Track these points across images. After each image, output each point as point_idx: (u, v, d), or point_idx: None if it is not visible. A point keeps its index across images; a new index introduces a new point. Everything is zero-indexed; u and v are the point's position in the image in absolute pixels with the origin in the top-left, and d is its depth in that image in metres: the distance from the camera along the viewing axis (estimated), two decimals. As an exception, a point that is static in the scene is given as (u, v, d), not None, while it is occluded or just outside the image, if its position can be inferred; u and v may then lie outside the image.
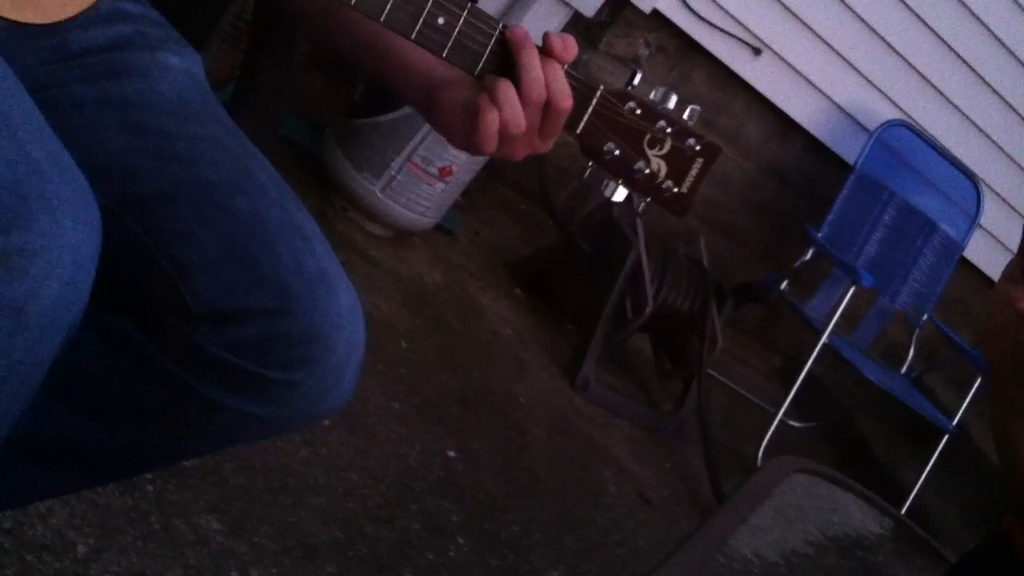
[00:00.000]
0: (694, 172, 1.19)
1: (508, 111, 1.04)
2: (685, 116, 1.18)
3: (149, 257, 1.02)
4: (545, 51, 1.07)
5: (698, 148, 1.18)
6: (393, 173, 2.99)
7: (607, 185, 1.19)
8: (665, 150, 1.17)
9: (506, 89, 1.04)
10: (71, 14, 0.95)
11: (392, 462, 2.34)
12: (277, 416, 1.05)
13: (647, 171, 1.17)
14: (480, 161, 3.10)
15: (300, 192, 1.13)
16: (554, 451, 2.90)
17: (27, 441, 1.06)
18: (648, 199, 1.20)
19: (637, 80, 1.16)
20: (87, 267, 0.84)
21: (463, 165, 3.04)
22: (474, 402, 2.81)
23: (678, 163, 1.18)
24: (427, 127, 2.92)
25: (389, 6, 1.01)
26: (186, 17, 1.25)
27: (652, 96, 1.17)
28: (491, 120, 1.05)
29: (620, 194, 1.19)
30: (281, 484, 2.04)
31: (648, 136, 1.16)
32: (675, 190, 1.19)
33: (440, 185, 3.05)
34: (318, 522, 2.02)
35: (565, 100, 1.07)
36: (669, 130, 1.16)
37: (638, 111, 1.15)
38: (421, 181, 3.01)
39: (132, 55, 1.11)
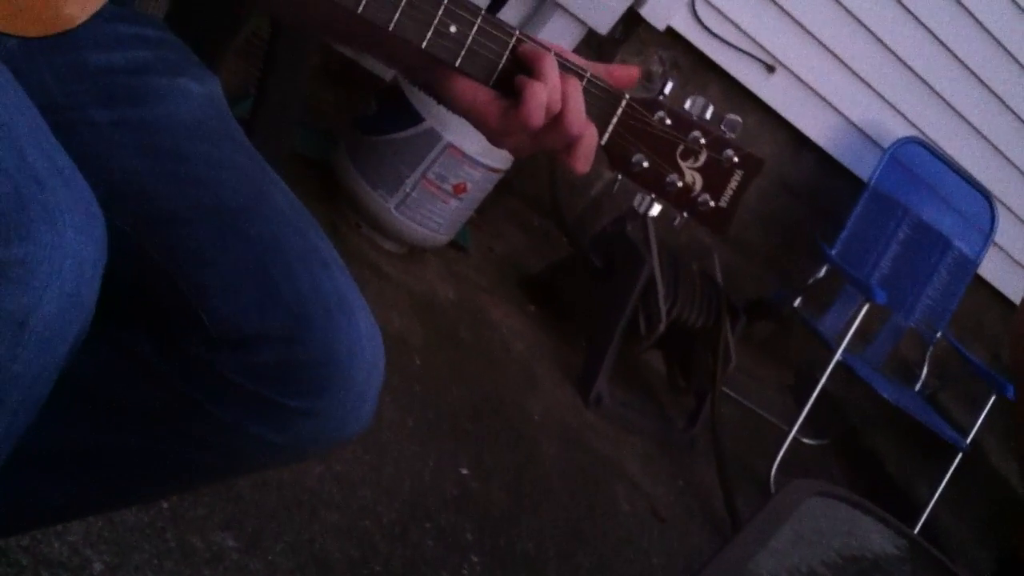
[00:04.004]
0: (733, 185, 1.13)
1: (553, 81, 1.01)
2: (722, 126, 1.12)
3: (167, 280, 1.02)
4: (612, 76, 1.05)
5: (736, 160, 1.12)
6: (408, 190, 2.99)
7: (640, 200, 1.13)
8: (700, 162, 1.11)
9: (551, 62, 1.01)
10: (72, 25, 0.94)
11: (406, 478, 2.34)
12: (295, 443, 1.05)
13: (680, 184, 1.11)
14: (493, 178, 3.10)
15: (312, 205, 1.13)
16: (567, 467, 2.90)
17: (43, 455, 1.06)
18: (684, 214, 1.14)
19: (668, 89, 1.11)
20: (90, 278, 0.83)
21: (477, 182, 3.05)
22: (487, 417, 2.81)
23: (715, 176, 1.12)
24: (442, 144, 2.92)
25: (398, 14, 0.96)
26: (201, 37, 1.25)
27: (687, 106, 1.11)
28: (538, 90, 1.00)
29: (655, 209, 1.13)
30: (296, 501, 2.04)
31: (681, 147, 1.10)
32: (712, 204, 1.13)
33: (454, 202, 3.05)
34: (332, 539, 2.03)
35: (579, 123, 1.03)
36: (703, 141, 1.10)
37: (668, 121, 1.09)
38: (435, 198, 3.01)
39: (152, 80, 1.11)
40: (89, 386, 1.05)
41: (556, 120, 1.03)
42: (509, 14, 3.41)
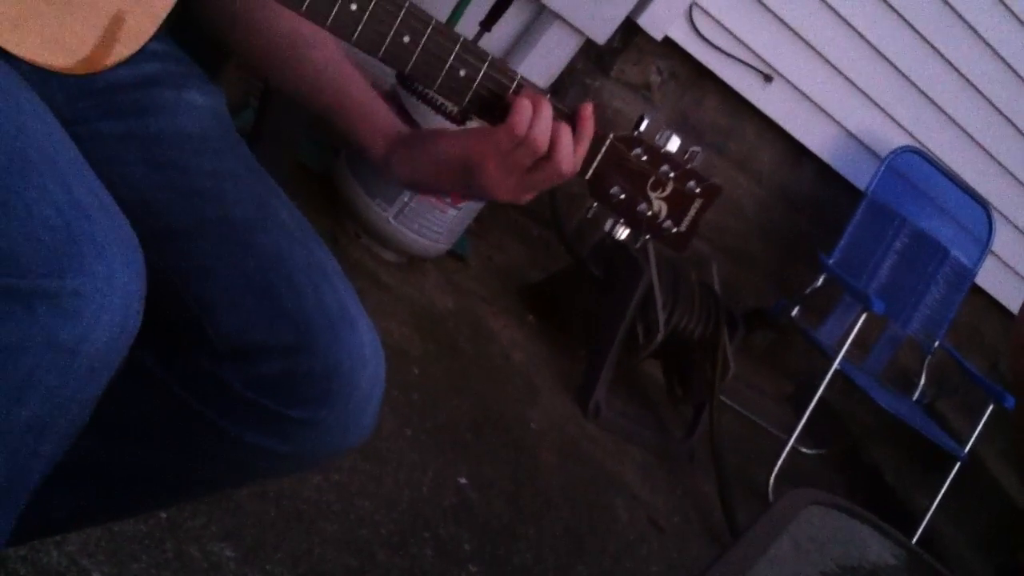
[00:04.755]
0: (693, 212, 1.27)
1: (545, 114, 1.08)
2: (686, 158, 1.25)
3: (172, 292, 1.03)
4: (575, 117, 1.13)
5: (698, 190, 1.25)
6: (406, 199, 3.00)
7: (611, 224, 1.27)
8: (667, 192, 1.24)
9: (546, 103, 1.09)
10: (109, 65, 0.96)
11: (405, 489, 2.34)
12: (297, 453, 1.05)
13: (649, 212, 1.24)
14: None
15: (311, 215, 1.14)
16: (565, 477, 2.90)
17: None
18: (648, 237, 1.28)
19: (644, 125, 1.22)
20: (136, 309, 0.86)
21: (475, 191, 3.05)
22: (486, 428, 2.81)
23: (679, 204, 1.26)
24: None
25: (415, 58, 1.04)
26: (204, 48, 1.26)
27: (657, 139, 1.23)
28: (524, 105, 1.08)
29: (623, 233, 1.27)
30: (294, 511, 2.04)
31: (652, 179, 1.23)
32: (674, 230, 1.27)
33: (452, 211, 3.06)
34: (331, 549, 2.02)
35: (568, 163, 1.11)
36: (672, 174, 1.23)
37: (644, 157, 1.21)
38: (434, 207, 3.02)
39: (158, 93, 1.12)
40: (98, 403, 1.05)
41: (546, 159, 1.10)
42: (508, 25, 3.42)
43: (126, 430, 1.08)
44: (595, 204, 1.24)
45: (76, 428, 0.88)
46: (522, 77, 1.11)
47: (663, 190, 1.23)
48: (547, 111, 1.09)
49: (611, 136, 1.19)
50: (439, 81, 1.07)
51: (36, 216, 0.79)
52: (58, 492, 1.12)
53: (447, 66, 1.06)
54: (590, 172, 1.19)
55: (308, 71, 1.16)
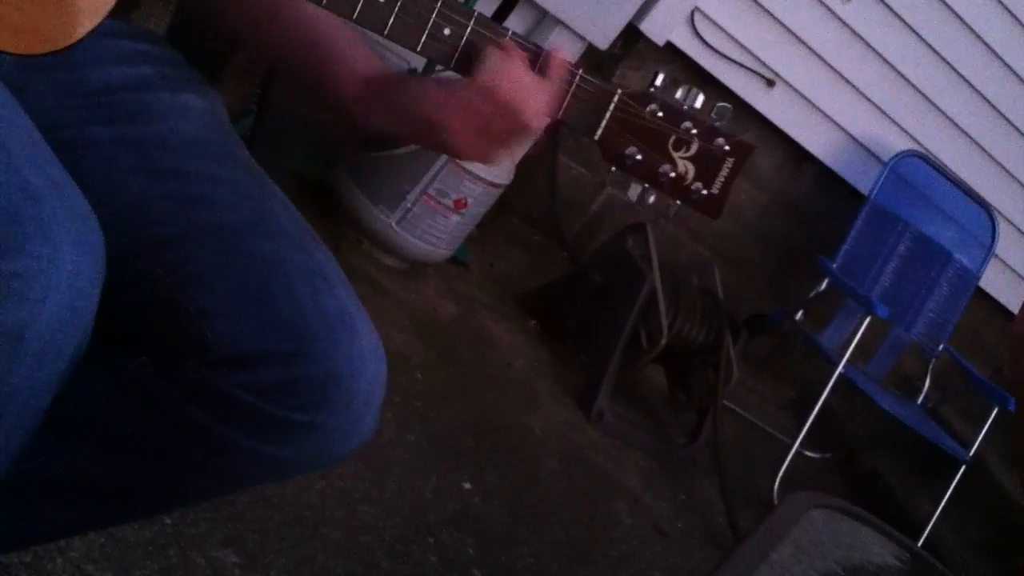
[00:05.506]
0: (725, 172, 1.17)
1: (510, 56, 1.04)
2: (713, 115, 1.16)
3: (168, 300, 1.01)
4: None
5: (727, 147, 1.16)
6: (409, 205, 3.00)
7: (632, 188, 1.17)
8: (692, 151, 1.15)
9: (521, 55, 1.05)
10: (72, 40, 0.93)
11: (407, 495, 2.34)
12: (297, 457, 1.05)
13: (673, 174, 1.15)
14: (493, 193, 3.11)
15: (312, 223, 1.13)
16: (568, 483, 2.89)
17: (46, 480, 1.06)
18: (678, 202, 1.18)
19: (659, 81, 1.14)
20: (88, 291, 0.83)
21: (477, 197, 3.05)
22: (488, 434, 2.80)
23: (707, 164, 1.16)
24: (442, 159, 2.93)
25: (392, 19, 0.99)
26: (203, 52, 1.26)
27: (678, 95, 1.15)
28: (490, 54, 1.03)
29: (649, 199, 1.17)
30: (296, 517, 2.04)
31: (673, 138, 1.13)
32: (704, 192, 1.17)
33: (455, 217, 3.06)
34: (334, 555, 2.02)
35: (535, 116, 1.05)
36: (695, 131, 1.14)
37: (660, 113, 1.12)
38: (436, 213, 3.02)
39: (154, 96, 1.11)
40: (92, 415, 1.05)
41: (510, 110, 1.04)
42: (509, 30, 3.42)
43: (123, 439, 1.07)
44: (612, 169, 1.15)
45: (33, 416, 0.85)
46: (513, 32, 1.05)
47: (687, 149, 1.14)
48: (516, 60, 1.04)
49: (619, 91, 1.11)
50: (422, 42, 1.00)
51: None
52: (60, 504, 1.12)
53: (429, 24, 0.99)
54: (599, 132, 1.10)
55: (289, 22, 1.13)
